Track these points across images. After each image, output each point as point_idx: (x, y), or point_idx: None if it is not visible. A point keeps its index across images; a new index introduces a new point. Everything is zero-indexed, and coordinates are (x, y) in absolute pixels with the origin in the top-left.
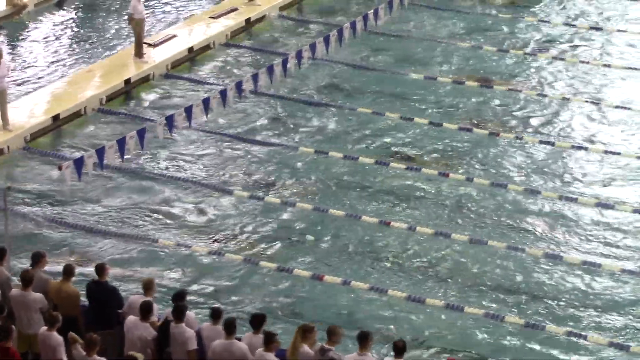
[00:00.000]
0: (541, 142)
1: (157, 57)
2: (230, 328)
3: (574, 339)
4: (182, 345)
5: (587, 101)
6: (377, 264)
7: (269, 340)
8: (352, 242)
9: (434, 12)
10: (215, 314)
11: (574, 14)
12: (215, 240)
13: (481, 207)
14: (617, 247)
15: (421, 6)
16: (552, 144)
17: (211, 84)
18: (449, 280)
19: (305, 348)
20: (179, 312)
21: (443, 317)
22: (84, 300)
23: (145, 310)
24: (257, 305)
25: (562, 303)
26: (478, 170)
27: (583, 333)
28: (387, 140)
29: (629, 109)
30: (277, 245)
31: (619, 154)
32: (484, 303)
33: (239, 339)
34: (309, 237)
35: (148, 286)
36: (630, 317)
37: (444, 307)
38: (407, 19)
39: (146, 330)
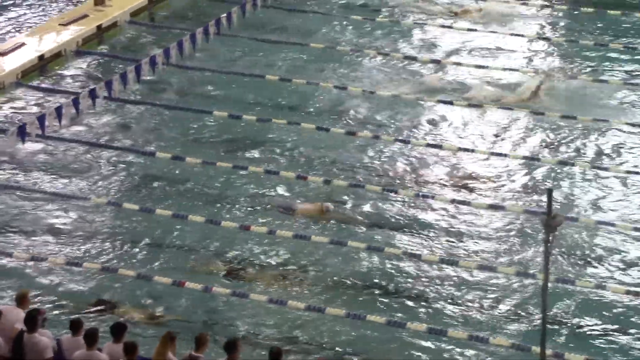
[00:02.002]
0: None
1: (7, 65)
2: (91, 339)
3: (434, 335)
4: (38, 355)
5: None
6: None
7: (129, 350)
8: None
9: (287, 14)
10: (75, 326)
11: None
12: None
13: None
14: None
15: (276, 8)
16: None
17: (64, 92)
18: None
19: (171, 356)
20: (32, 322)
21: (308, 318)
22: None
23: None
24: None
25: (420, 299)
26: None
27: (444, 329)
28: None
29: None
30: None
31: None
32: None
33: (100, 350)
34: None
35: (21, 300)
36: (496, 312)
37: (305, 309)
38: (261, 22)
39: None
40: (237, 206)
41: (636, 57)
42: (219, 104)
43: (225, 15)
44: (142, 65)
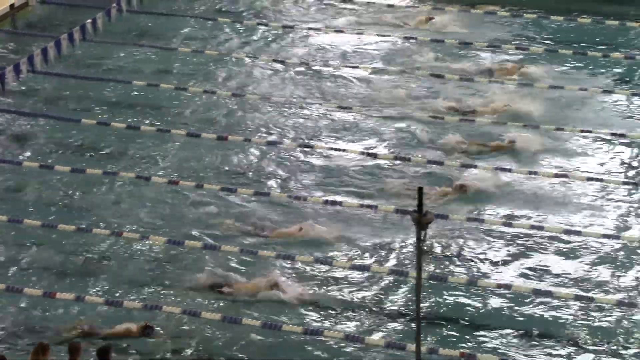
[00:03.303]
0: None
1: None
2: None
3: (309, 337)
4: None
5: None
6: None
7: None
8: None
9: (154, 18)
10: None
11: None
12: None
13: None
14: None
15: (140, 13)
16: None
17: None
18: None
19: None
20: None
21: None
22: None
23: None
24: None
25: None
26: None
27: (320, 329)
28: None
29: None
30: None
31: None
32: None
33: None
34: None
35: None
36: (371, 311)
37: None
38: (127, 28)
39: None
40: (105, 215)
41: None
42: (85, 112)
43: (90, 20)
44: (7, 74)
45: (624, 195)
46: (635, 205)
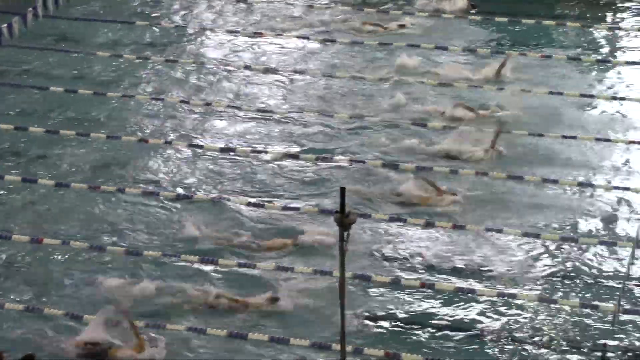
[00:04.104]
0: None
1: None
2: None
3: (235, 339)
4: None
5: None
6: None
7: None
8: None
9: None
10: None
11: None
12: None
13: None
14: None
15: (57, 18)
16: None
17: None
18: None
19: None
20: None
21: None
22: None
23: None
24: None
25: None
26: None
27: (243, 332)
28: None
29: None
30: None
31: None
32: None
33: None
34: None
35: None
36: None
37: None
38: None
39: None
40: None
41: None
42: (2, 117)
43: (5, 25)
44: None
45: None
46: None
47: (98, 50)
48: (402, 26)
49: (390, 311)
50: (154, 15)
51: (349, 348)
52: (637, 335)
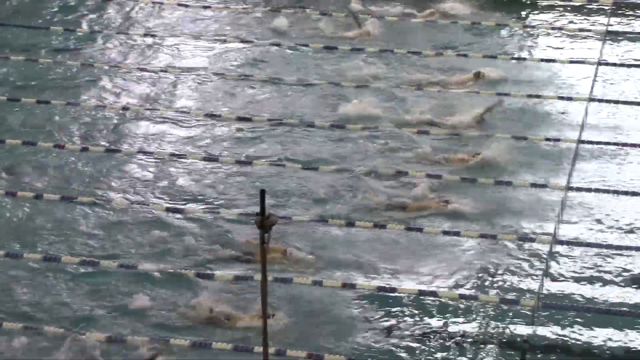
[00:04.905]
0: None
1: None
2: None
3: (199, 348)
4: None
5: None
6: None
7: None
8: None
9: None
10: None
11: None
12: None
13: None
14: None
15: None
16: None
17: None
18: None
19: None
20: None
21: None
22: None
23: None
24: None
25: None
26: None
27: (208, 342)
28: None
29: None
30: None
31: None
32: None
33: None
34: None
35: None
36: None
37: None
38: None
39: None
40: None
41: None
42: None
43: None
44: None
45: None
46: None
47: (11, 55)
48: None
49: (319, 312)
50: (72, 20)
51: (271, 350)
52: (557, 329)
